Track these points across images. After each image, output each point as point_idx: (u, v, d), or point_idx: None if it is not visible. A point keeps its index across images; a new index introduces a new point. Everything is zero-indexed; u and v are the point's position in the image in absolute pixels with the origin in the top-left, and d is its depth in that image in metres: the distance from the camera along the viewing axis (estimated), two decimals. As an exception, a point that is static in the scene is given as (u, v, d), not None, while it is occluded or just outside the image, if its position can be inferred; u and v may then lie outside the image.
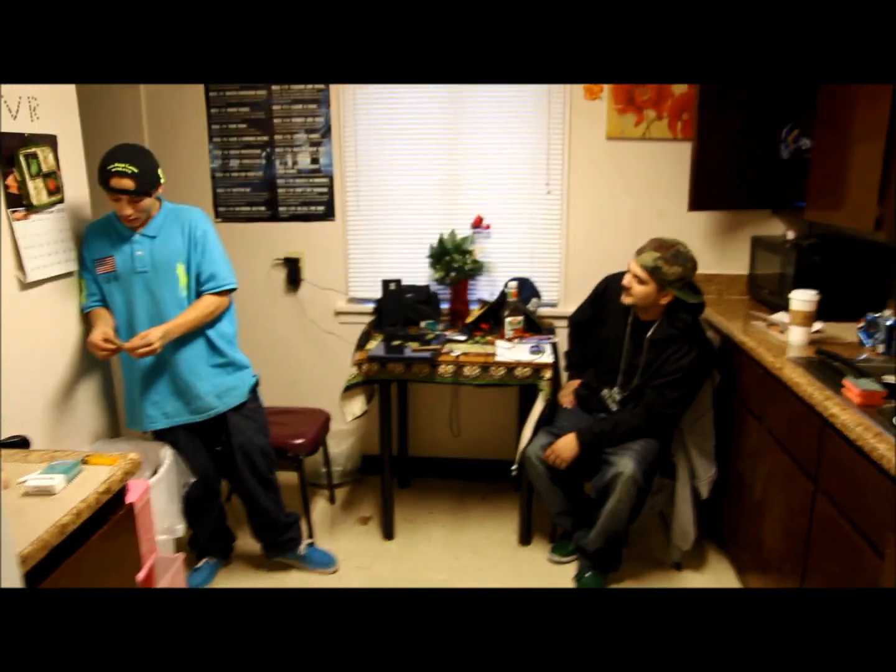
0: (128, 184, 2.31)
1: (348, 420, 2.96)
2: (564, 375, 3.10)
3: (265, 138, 3.39)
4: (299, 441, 2.94)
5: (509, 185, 3.30)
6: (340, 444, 3.53)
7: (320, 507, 3.41)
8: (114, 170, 2.29)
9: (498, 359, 2.81)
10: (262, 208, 3.46)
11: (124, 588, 1.77)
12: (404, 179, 3.36)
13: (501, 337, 3.01)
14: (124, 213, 2.35)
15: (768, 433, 2.34)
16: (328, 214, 3.43)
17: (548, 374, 2.78)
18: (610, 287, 2.74)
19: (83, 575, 1.63)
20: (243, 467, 2.61)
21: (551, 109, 3.20)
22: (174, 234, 2.44)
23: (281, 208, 3.45)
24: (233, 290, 2.53)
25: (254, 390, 2.67)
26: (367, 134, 3.33)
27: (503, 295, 3.10)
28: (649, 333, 2.60)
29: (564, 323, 3.20)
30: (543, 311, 3.33)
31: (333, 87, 3.29)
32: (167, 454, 2.48)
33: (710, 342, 2.68)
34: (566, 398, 2.90)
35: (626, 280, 2.56)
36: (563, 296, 3.38)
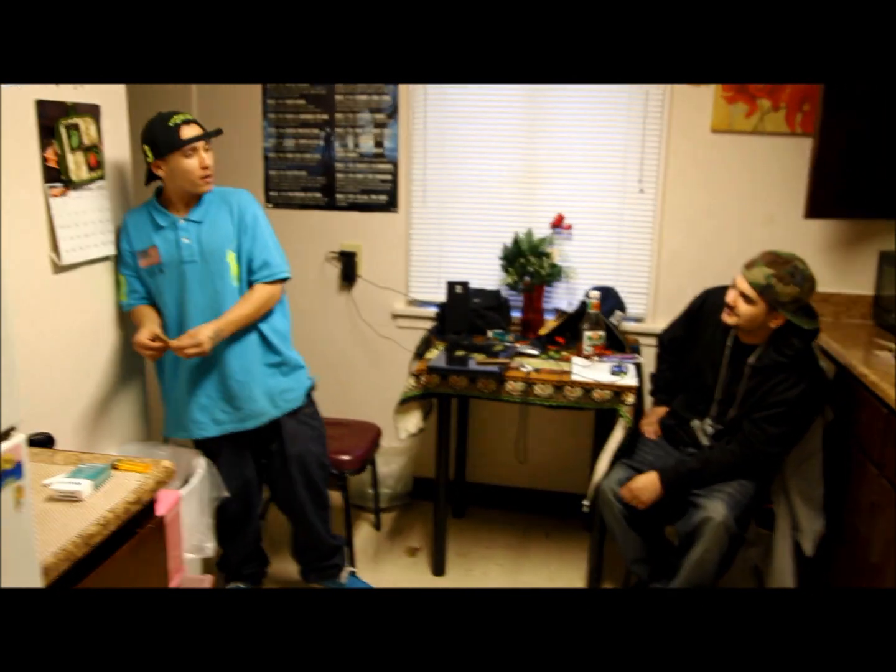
0: (198, 129, 2.40)
1: (402, 437, 2.97)
2: (649, 401, 3.05)
3: (325, 117, 3.45)
4: (346, 457, 2.97)
5: (595, 181, 3.28)
6: (390, 464, 3.56)
7: (364, 532, 3.43)
8: (181, 120, 2.37)
9: (574, 378, 2.78)
10: (318, 195, 3.51)
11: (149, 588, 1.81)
12: (477, 169, 3.37)
13: (579, 353, 2.99)
14: (206, 165, 2.41)
15: (890, 484, 2.26)
16: (390, 205, 3.46)
17: (630, 398, 2.74)
18: (709, 303, 2.69)
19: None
20: (297, 479, 2.62)
21: (649, 96, 3.16)
22: (222, 219, 2.48)
23: (338, 196, 3.50)
24: (286, 279, 2.56)
25: (309, 394, 2.69)
26: (438, 117, 3.36)
27: (583, 305, 3.08)
28: (752, 359, 2.55)
29: (652, 341, 3.16)
30: (628, 326, 3.29)
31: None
32: (200, 463, 2.53)
33: (823, 373, 2.61)
34: (650, 427, 2.86)
35: (731, 297, 2.51)
36: (651, 310, 3.33)
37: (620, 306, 3.23)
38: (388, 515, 3.58)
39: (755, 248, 2.60)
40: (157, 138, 2.37)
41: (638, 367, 2.94)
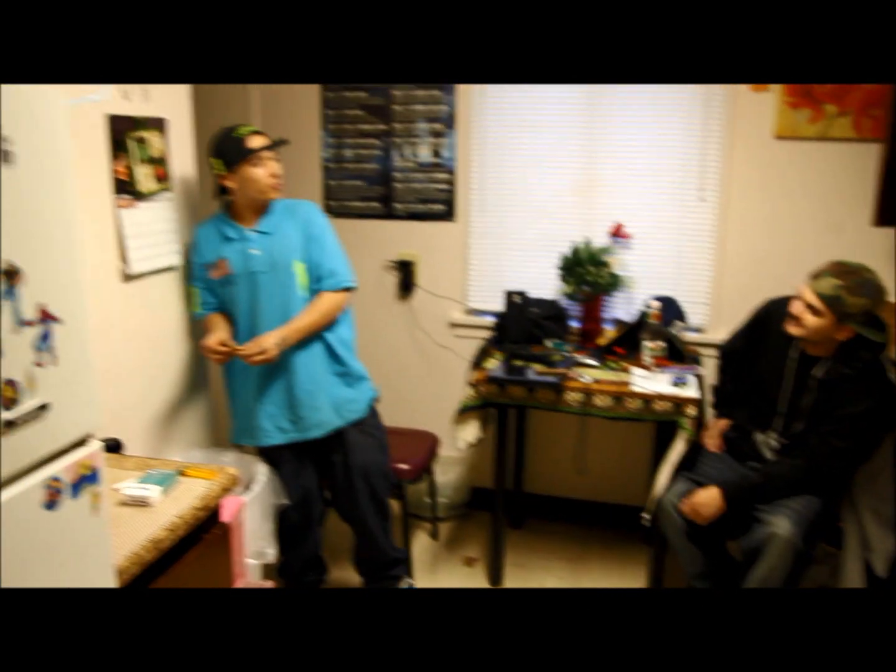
0: (264, 139, 2.47)
1: (460, 447, 2.99)
2: (710, 413, 3.01)
3: (383, 127, 3.48)
4: (404, 466, 2.99)
5: (655, 190, 3.25)
6: (447, 473, 3.57)
7: (421, 541, 3.45)
8: (247, 131, 2.45)
9: (634, 389, 2.76)
10: (376, 204, 3.55)
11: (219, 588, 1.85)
12: (535, 179, 3.37)
13: (638, 364, 2.96)
14: (274, 173, 2.48)
15: (965, 501, 2.19)
16: (448, 214, 3.48)
17: (691, 410, 2.71)
18: (773, 314, 2.65)
19: (174, 596, 1.71)
20: (361, 489, 2.65)
21: (709, 103, 3.13)
22: (290, 230, 2.53)
23: (396, 205, 3.54)
24: (352, 289, 2.60)
25: (372, 405, 2.73)
26: (495, 126, 3.37)
27: (643, 315, 3.06)
28: (818, 372, 2.50)
29: (713, 352, 3.12)
30: (688, 336, 3.25)
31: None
32: (262, 470, 2.58)
33: (893, 386, 2.54)
34: (712, 440, 2.82)
35: (796, 308, 2.47)
36: (712, 320, 3.29)
37: (680, 316, 3.20)
38: (446, 525, 3.59)
39: (821, 257, 2.55)
40: (226, 150, 2.44)
41: (699, 378, 2.91)
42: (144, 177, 2.44)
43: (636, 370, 2.92)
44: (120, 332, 2.38)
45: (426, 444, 3.23)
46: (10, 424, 1.10)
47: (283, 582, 2.88)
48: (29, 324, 1.12)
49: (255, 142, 2.45)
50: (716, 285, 3.26)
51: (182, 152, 2.63)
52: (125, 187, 2.36)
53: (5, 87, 1.05)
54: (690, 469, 2.71)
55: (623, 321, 3.25)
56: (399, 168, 3.50)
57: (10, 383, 1.10)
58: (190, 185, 2.70)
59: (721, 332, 3.12)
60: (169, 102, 2.54)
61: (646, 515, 2.79)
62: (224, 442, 2.93)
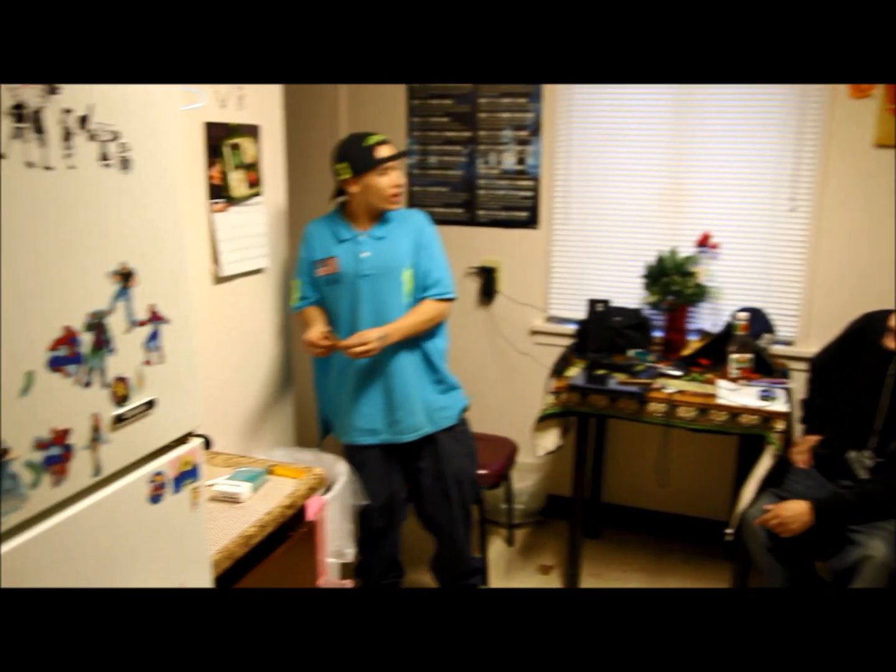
0: (392, 149, 2.53)
1: (539, 454, 2.97)
2: (799, 428, 2.93)
3: (468, 134, 3.50)
4: (483, 471, 2.98)
5: (744, 199, 3.18)
6: (525, 480, 3.56)
7: (497, 547, 3.45)
8: (377, 140, 2.50)
9: (720, 401, 2.71)
10: (460, 210, 3.57)
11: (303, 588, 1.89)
12: (620, 187, 3.34)
13: (724, 376, 2.90)
14: (398, 184, 2.53)
15: None
16: (531, 221, 3.47)
17: (780, 424, 2.64)
18: (870, 327, 2.57)
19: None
20: (452, 496, 2.66)
21: (804, 110, 3.04)
22: (402, 238, 2.58)
23: (480, 211, 3.54)
24: (453, 300, 2.64)
25: (463, 413, 2.74)
26: (581, 134, 3.35)
27: (729, 327, 2.99)
28: (918, 388, 2.41)
29: (802, 365, 3.03)
30: (777, 349, 3.16)
31: (549, 81, 3.34)
32: (342, 470, 2.61)
33: None
34: (801, 456, 2.74)
35: (896, 322, 2.39)
36: (802, 333, 3.20)
37: (769, 329, 3.12)
38: (521, 531, 3.58)
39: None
40: (354, 157, 2.49)
41: (788, 392, 2.83)
42: (237, 182, 2.51)
43: (722, 382, 2.86)
44: (210, 332, 2.45)
45: (505, 451, 3.23)
46: (120, 420, 1.14)
47: (361, 582, 2.91)
48: (140, 324, 1.16)
49: (384, 152, 2.50)
50: (806, 297, 3.17)
51: (273, 158, 2.69)
52: (219, 192, 2.43)
53: (124, 92, 1.09)
54: (778, 485, 2.64)
55: (708, 332, 3.19)
56: (483, 175, 3.51)
57: (122, 380, 1.14)
58: (280, 189, 2.76)
59: (811, 346, 3.03)
60: (262, 110, 2.60)
61: (729, 530, 2.73)
62: (305, 441, 2.99)
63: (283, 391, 2.87)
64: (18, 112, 0.92)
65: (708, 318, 3.27)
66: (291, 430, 2.96)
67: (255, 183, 2.60)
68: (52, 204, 0.99)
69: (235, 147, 2.49)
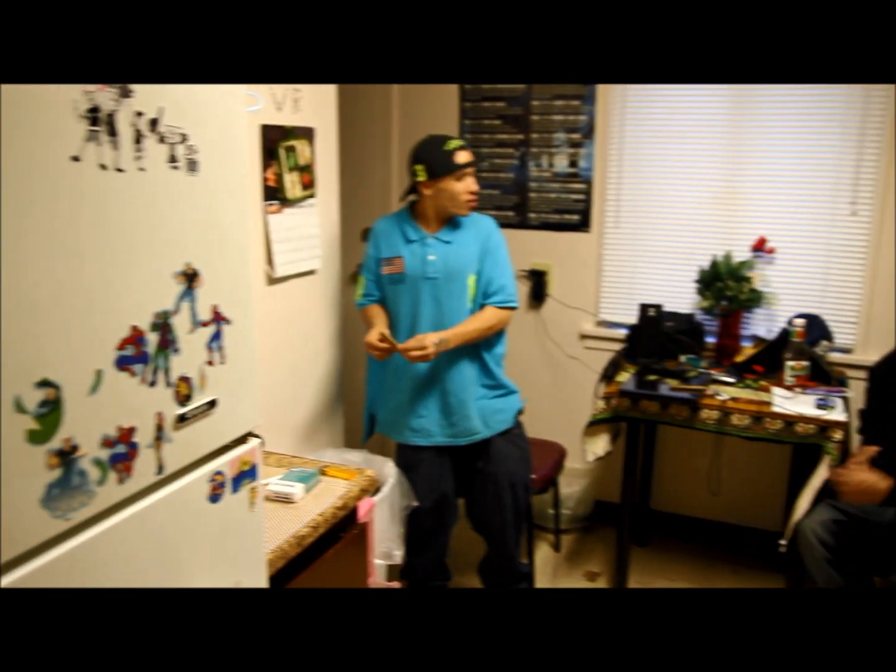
0: (470, 155, 2.53)
1: (589, 459, 2.95)
2: (856, 438, 2.86)
3: (520, 137, 3.49)
4: (532, 476, 2.96)
5: (802, 202, 3.12)
6: (572, 485, 3.53)
7: (543, 552, 3.43)
8: (456, 145, 2.50)
9: (775, 409, 2.66)
10: (511, 213, 3.56)
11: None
12: (674, 190, 3.30)
13: (779, 384, 2.84)
14: (473, 190, 2.53)
15: None
16: (583, 225, 3.45)
17: (838, 434, 2.58)
18: (933, 336, 2.49)
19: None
20: (505, 500, 2.65)
21: (867, 110, 2.97)
22: (469, 242, 2.57)
23: (531, 214, 3.53)
24: (514, 308, 2.63)
25: (517, 416, 2.73)
26: (634, 136, 3.32)
27: (785, 333, 2.93)
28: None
29: (861, 374, 2.95)
30: (835, 356, 3.10)
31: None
32: (391, 472, 2.61)
33: None
34: (859, 467, 2.67)
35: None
36: (861, 340, 3.12)
37: (827, 336, 3.05)
38: (568, 537, 3.55)
39: None
40: (433, 160, 2.49)
41: (845, 401, 2.77)
42: (292, 184, 2.53)
43: (777, 390, 2.81)
44: (263, 333, 2.47)
45: (554, 455, 3.21)
46: (183, 419, 1.15)
47: (407, 583, 2.92)
48: (203, 324, 1.18)
49: (462, 157, 2.50)
50: (866, 304, 3.10)
51: (327, 160, 2.71)
52: (274, 194, 2.45)
53: (193, 94, 1.10)
54: (834, 496, 2.58)
55: (763, 338, 3.14)
56: (534, 178, 3.50)
57: (185, 380, 1.15)
58: (333, 191, 2.78)
59: (870, 354, 2.96)
60: (317, 112, 2.62)
61: (783, 542, 2.68)
62: (354, 443, 3.00)
63: (335, 392, 2.89)
64: (93, 115, 0.94)
65: (762, 324, 3.22)
66: (341, 432, 2.98)
67: (308, 185, 2.62)
68: (122, 205, 1.01)
69: (290, 149, 2.51)
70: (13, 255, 0.86)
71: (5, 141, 0.84)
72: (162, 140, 1.05)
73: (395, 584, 2.62)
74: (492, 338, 2.61)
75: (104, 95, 0.95)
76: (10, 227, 0.86)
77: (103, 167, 0.97)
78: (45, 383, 0.92)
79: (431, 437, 2.63)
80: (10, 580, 0.92)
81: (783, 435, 2.66)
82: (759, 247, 3.15)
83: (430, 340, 2.39)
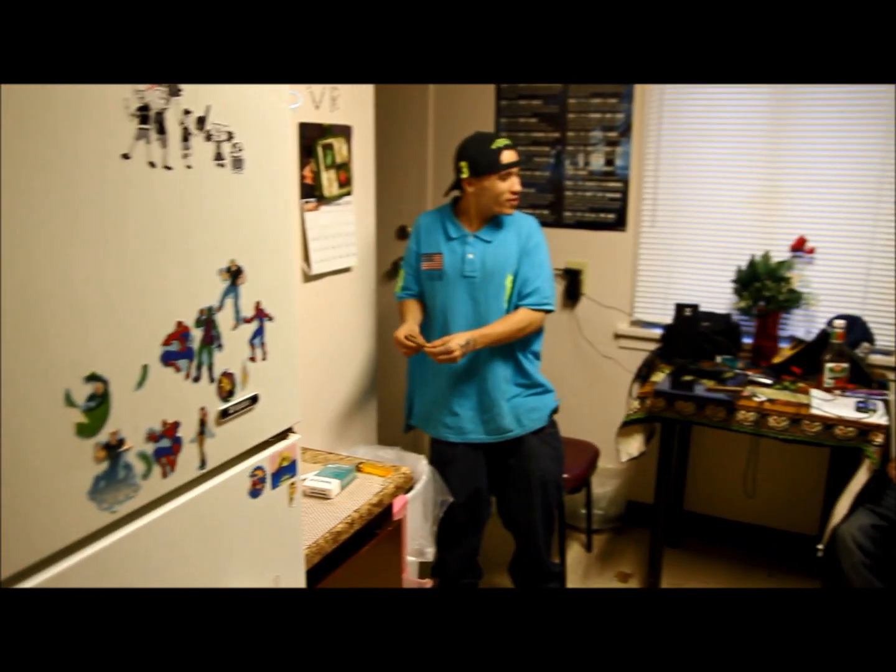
0: (516, 154, 2.53)
1: (623, 460, 2.93)
2: (898, 442, 2.82)
3: (556, 135, 3.47)
4: (564, 476, 2.96)
5: (843, 201, 3.06)
6: (604, 485, 3.52)
7: (575, 552, 3.42)
8: (503, 144, 2.49)
9: (814, 411, 2.62)
10: (546, 212, 3.55)
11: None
12: (712, 188, 3.27)
13: (818, 386, 2.81)
14: (517, 189, 2.53)
15: None
16: (619, 223, 3.43)
17: (878, 438, 2.54)
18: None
19: (349, 586, 1.77)
20: (535, 497, 2.65)
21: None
22: (509, 242, 2.57)
23: (566, 213, 3.52)
24: (549, 311, 2.61)
25: (552, 415, 2.72)
26: (672, 134, 3.29)
27: (825, 335, 2.89)
28: None
29: (902, 377, 2.92)
30: (875, 358, 3.05)
31: (640, 80, 3.29)
32: (424, 469, 2.62)
33: None
34: (900, 472, 2.63)
35: None
36: (903, 342, 3.08)
37: (868, 338, 3.00)
38: (599, 537, 3.54)
39: None
40: (478, 158, 2.48)
41: (886, 404, 2.73)
42: (328, 181, 2.54)
43: (815, 392, 2.77)
44: (299, 330, 2.49)
45: (587, 455, 3.20)
46: (225, 414, 1.17)
47: (438, 581, 2.92)
48: (247, 321, 1.19)
49: (508, 157, 2.49)
50: (908, 306, 3.05)
51: (364, 158, 2.72)
52: (311, 191, 2.47)
53: (239, 93, 1.12)
54: (874, 501, 2.54)
55: (801, 339, 3.09)
56: (570, 176, 3.48)
57: (228, 376, 1.17)
58: (369, 189, 2.79)
59: (912, 356, 2.92)
60: (354, 111, 2.64)
61: (821, 547, 2.64)
62: (386, 440, 3.01)
63: (369, 390, 2.91)
64: (143, 114, 0.95)
65: (801, 325, 3.17)
66: (374, 429, 2.99)
67: (345, 183, 2.63)
68: (170, 202, 1.02)
69: (328, 147, 2.52)
70: (64, 250, 0.88)
71: (61, 138, 0.85)
72: (209, 138, 1.07)
73: (427, 582, 2.63)
74: (527, 336, 2.59)
75: (154, 94, 0.97)
76: (61, 225, 0.87)
77: (152, 165, 0.98)
78: (93, 377, 0.94)
79: (465, 434, 2.63)
80: (58, 570, 0.94)
81: (822, 438, 2.62)
82: (799, 246, 3.11)
83: (456, 342, 2.38)
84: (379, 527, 1.94)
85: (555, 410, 2.72)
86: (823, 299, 3.12)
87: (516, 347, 2.58)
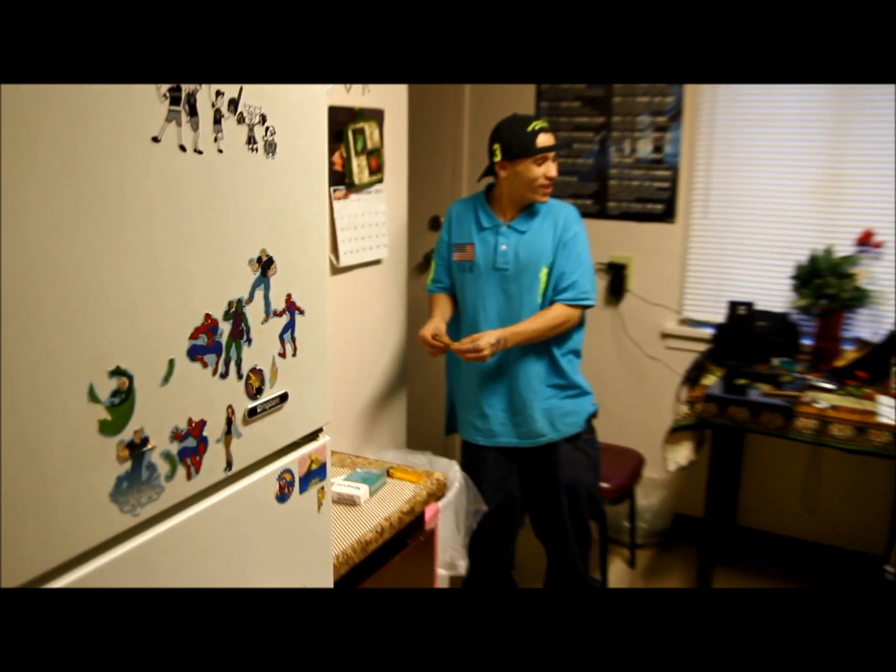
0: (552, 138, 2.51)
1: (670, 469, 2.92)
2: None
3: (601, 120, 3.46)
4: (605, 485, 2.95)
5: (914, 191, 3.03)
6: (650, 497, 3.50)
7: (617, 568, 3.41)
8: (539, 127, 2.48)
9: (881, 420, 2.59)
10: (589, 202, 3.54)
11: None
12: (769, 177, 3.24)
13: (886, 392, 2.77)
14: (552, 175, 2.51)
15: None
16: (667, 215, 3.41)
17: (952, 449, 2.51)
18: None
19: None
20: (565, 507, 2.65)
21: None
22: (545, 233, 2.55)
23: (611, 203, 3.51)
24: (590, 307, 2.60)
25: (590, 420, 2.72)
26: (726, 119, 3.27)
27: (894, 336, 2.86)
28: None
29: (979, 383, 2.87)
30: (948, 363, 3.01)
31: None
32: (457, 476, 2.62)
33: None
34: (974, 486, 2.59)
35: None
36: (979, 346, 3.03)
37: (941, 340, 2.96)
38: (644, 553, 3.52)
39: None
40: (512, 141, 2.47)
41: (960, 412, 2.69)
42: (359, 168, 2.55)
43: (883, 399, 2.74)
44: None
45: (630, 463, 3.19)
46: (253, 413, 1.18)
47: (472, 596, 2.92)
48: (277, 314, 1.20)
49: (544, 140, 2.47)
50: None
51: (397, 143, 2.73)
52: (340, 179, 2.48)
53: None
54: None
55: (867, 341, 3.06)
56: (615, 164, 3.47)
57: (257, 372, 1.18)
58: (401, 176, 2.80)
59: None
60: (387, 94, 2.65)
61: (889, 568, 2.61)
62: (416, 444, 3.02)
63: (399, 390, 2.92)
64: (175, 95, 0.96)
65: (867, 326, 3.14)
66: (403, 432, 3.00)
67: (376, 170, 2.64)
68: (199, 188, 1.03)
69: (359, 132, 2.53)
70: (87, 238, 0.89)
71: (87, 121, 0.86)
72: (241, 120, 1.08)
73: (459, 597, 2.63)
74: (566, 334, 2.58)
75: (186, 74, 0.98)
76: (85, 212, 0.88)
77: (182, 149, 0.99)
78: (118, 372, 0.95)
79: (495, 438, 2.63)
80: (80, 574, 0.95)
81: (890, 449, 2.59)
82: (865, 241, 3.08)
83: (485, 341, 2.38)
84: (409, 536, 1.95)
85: (593, 415, 2.71)
86: (892, 298, 3.08)
87: (552, 344, 2.57)
